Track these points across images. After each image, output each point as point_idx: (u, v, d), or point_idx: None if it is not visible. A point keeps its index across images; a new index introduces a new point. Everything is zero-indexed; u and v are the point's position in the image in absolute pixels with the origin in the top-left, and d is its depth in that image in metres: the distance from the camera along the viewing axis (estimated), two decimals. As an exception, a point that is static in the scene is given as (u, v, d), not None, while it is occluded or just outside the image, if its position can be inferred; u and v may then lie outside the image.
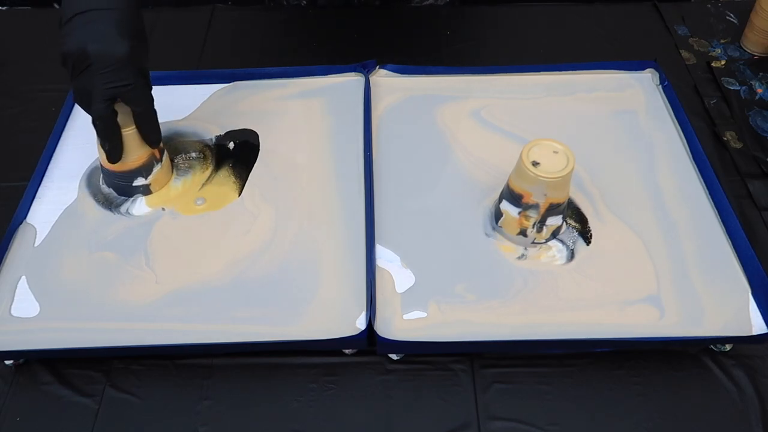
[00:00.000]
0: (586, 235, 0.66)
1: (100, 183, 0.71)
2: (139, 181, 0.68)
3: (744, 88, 0.84)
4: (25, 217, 0.68)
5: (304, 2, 0.99)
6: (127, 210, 0.69)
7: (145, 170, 0.68)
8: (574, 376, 0.59)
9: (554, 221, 0.63)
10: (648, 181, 0.71)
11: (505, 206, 0.63)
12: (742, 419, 0.57)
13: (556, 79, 0.82)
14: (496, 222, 0.66)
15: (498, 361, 0.60)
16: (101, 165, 0.68)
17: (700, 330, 0.59)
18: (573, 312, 0.60)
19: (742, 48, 0.90)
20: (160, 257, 0.65)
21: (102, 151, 0.65)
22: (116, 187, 0.69)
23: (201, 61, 0.90)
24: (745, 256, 0.63)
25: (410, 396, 0.58)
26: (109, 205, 0.69)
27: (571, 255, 0.65)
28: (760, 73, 0.86)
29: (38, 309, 0.61)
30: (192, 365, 0.60)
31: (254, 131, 0.77)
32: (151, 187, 0.69)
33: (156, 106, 0.78)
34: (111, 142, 0.63)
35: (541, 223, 0.63)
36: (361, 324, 0.59)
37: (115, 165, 0.66)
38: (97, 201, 0.70)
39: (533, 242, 0.65)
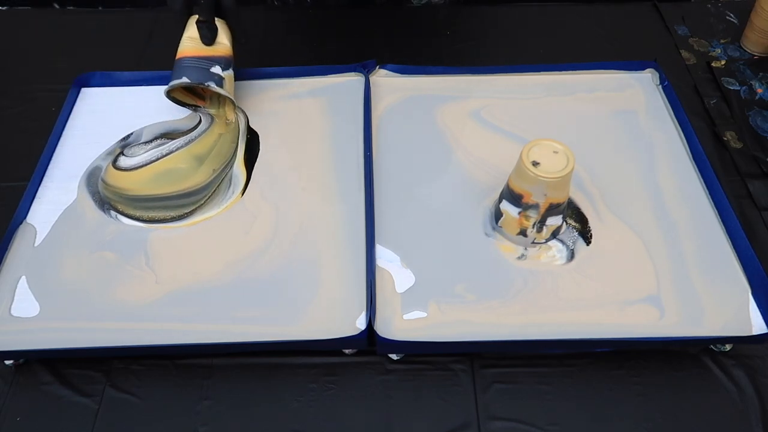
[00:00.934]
0: (586, 235, 0.66)
1: (99, 187, 0.71)
2: (216, 69, 0.72)
3: (744, 88, 0.84)
4: (25, 217, 0.68)
5: (309, 1, 0.99)
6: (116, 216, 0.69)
7: (225, 62, 0.73)
8: (574, 376, 0.59)
9: (554, 221, 0.63)
10: (648, 181, 0.71)
11: (505, 206, 0.63)
12: (742, 419, 0.57)
13: (556, 79, 0.82)
14: (496, 222, 0.66)
15: (498, 361, 0.60)
16: (184, 56, 0.73)
17: (700, 330, 0.59)
18: (573, 312, 0.60)
19: (742, 48, 0.90)
20: (160, 257, 0.65)
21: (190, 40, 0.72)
22: (194, 71, 0.72)
23: (201, 61, 0.89)
24: (745, 256, 0.63)
25: (410, 396, 0.58)
26: (102, 206, 0.69)
27: (571, 255, 0.65)
28: (760, 73, 0.86)
29: (38, 309, 0.61)
30: (192, 365, 0.60)
31: (254, 131, 0.77)
32: (224, 84, 0.73)
33: (156, 106, 0.78)
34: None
35: (541, 223, 0.63)
36: (361, 324, 0.59)
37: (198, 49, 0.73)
38: (95, 202, 0.70)
39: (533, 242, 0.65)
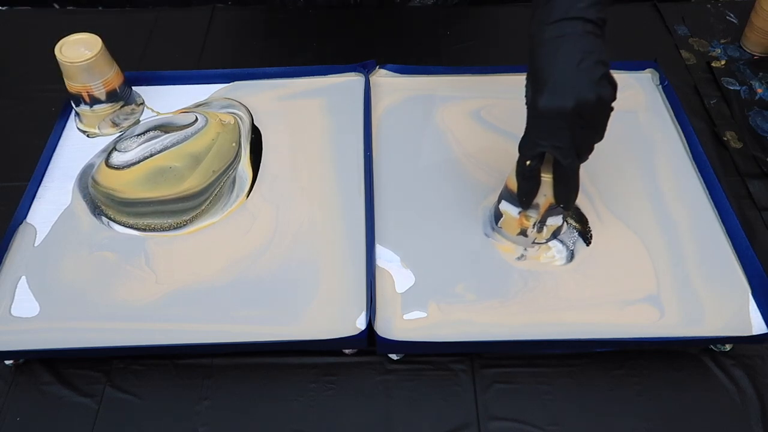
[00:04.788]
0: (586, 235, 0.66)
1: (89, 186, 0.71)
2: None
3: (744, 88, 0.84)
4: (25, 217, 0.68)
5: (301, 3, 0.99)
6: (108, 223, 0.68)
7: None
8: (574, 376, 0.59)
9: (554, 221, 0.63)
10: (648, 181, 0.71)
11: (505, 206, 0.63)
12: (742, 419, 0.57)
13: (556, 79, 0.82)
14: (496, 222, 0.66)
15: (498, 361, 0.60)
16: None
17: (700, 330, 0.59)
18: (573, 312, 0.60)
19: (742, 48, 0.90)
20: (160, 257, 0.65)
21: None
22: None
23: (201, 61, 0.90)
24: (745, 256, 0.63)
25: (410, 396, 0.58)
26: (94, 210, 0.69)
27: (571, 255, 0.65)
28: (760, 73, 0.86)
29: (38, 309, 0.61)
30: (192, 365, 0.60)
31: (259, 130, 0.77)
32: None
33: (156, 106, 0.78)
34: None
35: (542, 223, 0.63)
36: (361, 324, 0.59)
37: None
38: (87, 204, 0.70)
39: (534, 242, 0.65)
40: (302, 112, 0.79)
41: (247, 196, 0.70)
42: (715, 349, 0.60)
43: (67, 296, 0.62)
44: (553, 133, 0.51)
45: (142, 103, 0.79)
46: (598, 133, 0.52)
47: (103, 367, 0.60)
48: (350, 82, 0.82)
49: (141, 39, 0.93)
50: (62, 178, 0.72)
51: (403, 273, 0.63)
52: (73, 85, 0.73)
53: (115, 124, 0.76)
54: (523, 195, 0.59)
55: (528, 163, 0.56)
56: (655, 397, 0.58)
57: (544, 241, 0.65)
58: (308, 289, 0.62)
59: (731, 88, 0.84)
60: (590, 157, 0.74)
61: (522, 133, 0.75)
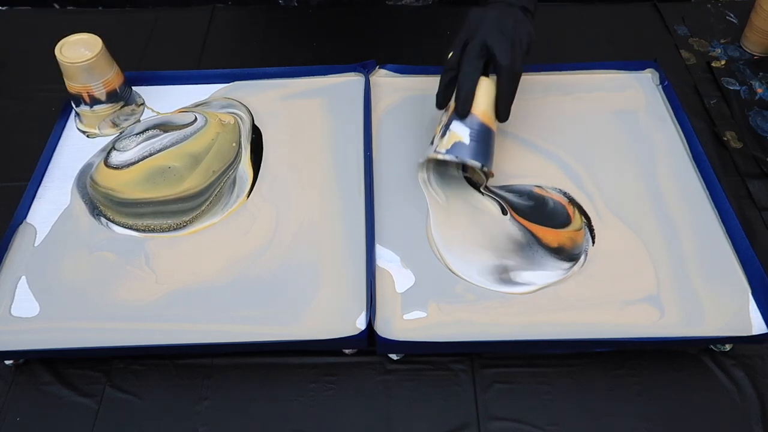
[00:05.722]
0: (590, 233, 0.66)
1: (87, 186, 0.71)
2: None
3: (744, 88, 0.84)
4: (25, 217, 0.68)
5: (295, 3, 0.99)
6: (107, 224, 0.68)
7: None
8: (574, 376, 0.59)
9: (458, 129, 0.63)
10: (648, 180, 0.71)
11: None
12: (742, 419, 0.57)
13: (556, 79, 0.82)
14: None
15: (498, 361, 0.60)
16: None
17: (700, 330, 0.59)
18: (573, 312, 0.60)
19: (742, 48, 0.90)
20: (160, 257, 0.65)
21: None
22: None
23: (201, 61, 0.90)
24: (745, 256, 0.63)
25: (410, 396, 0.58)
26: (92, 211, 0.69)
27: (571, 255, 0.65)
28: (760, 73, 0.86)
29: (38, 309, 0.61)
30: (192, 365, 0.60)
31: (259, 129, 0.77)
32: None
33: (156, 106, 0.78)
34: None
35: (446, 126, 0.63)
36: (361, 324, 0.59)
37: None
38: (86, 204, 0.69)
39: (435, 151, 0.64)
40: (302, 112, 0.79)
41: (248, 196, 0.70)
42: (715, 349, 0.60)
43: (67, 296, 0.62)
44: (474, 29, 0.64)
45: (143, 104, 0.79)
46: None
47: (103, 367, 0.60)
48: (350, 82, 0.82)
49: (141, 39, 0.93)
50: (62, 178, 0.72)
51: (403, 273, 0.63)
52: (73, 86, 0.73)
53: (115, 125, 0.76)
54: (441, 92, 0.66)
55: (450, 54, 0.64)
56: (655, 397, 0.58)
57: (444, 151, 0.63)
58: (308, 289, 0.62)
59: (731, 88, 0.84)
60: (590, 157, 0.74)
61: (523, 134, 0.76)
